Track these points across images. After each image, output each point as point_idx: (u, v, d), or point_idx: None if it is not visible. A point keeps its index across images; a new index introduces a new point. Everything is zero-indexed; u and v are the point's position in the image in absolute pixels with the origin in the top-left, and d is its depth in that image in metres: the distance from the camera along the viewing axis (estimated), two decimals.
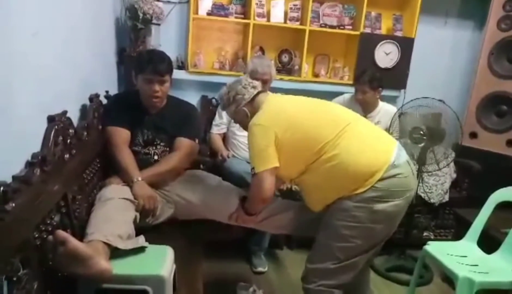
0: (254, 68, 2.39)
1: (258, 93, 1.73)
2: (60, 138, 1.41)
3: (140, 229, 1.57)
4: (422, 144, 2.35)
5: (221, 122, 2.70)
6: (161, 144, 1.96)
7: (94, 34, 2.04)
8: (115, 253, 1.34)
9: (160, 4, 2.61)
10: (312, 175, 1.55)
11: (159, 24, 2.63)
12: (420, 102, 2.34)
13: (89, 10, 1.94)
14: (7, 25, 1.12)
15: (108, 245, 1.32)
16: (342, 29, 3.12)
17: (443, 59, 3.51)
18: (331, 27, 3.09)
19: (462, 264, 1.94)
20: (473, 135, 3.14)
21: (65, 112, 1.49)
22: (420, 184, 2.54)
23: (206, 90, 3.04)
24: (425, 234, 2.85)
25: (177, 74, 2.68)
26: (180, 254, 1.54)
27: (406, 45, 3.15)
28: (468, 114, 3.19)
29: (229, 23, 3.03)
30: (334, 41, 3.23)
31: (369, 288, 1.88)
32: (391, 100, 3.17)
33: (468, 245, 2.11)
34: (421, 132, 2.33)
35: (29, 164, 1.20)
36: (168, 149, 1.97)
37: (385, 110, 2.73)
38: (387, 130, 2.43)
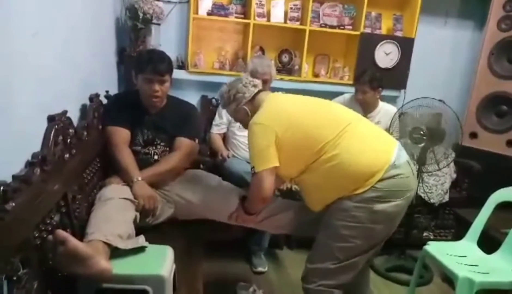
0: (254, 68, 2.39)
1: (259, 91, 1.73)
2: (60, 137, 1.41)
3: (140, 229, 1.57)
4: (422, 144, 2.35)
5: (221, 122, 2.70)
6: (161, 144, 1.96)
7: (94, 34, 2.04)
8: (115, 252, 1.34)
9: (160, 4, 2.61)
10: (312, 174, 1.55)
11: (159, 24, 2.63)
12: (420, 102, 2.34)
13: (89, 10, 1.94)
14: (7, 25, 1.12)
15: (108, 244, 1.32)
16: (342, 29, 3.12)
17: (443, 59, 3.51)
18: (331, 27, 3.09)
19: (462, 264, 1.94)
20: (473, 135, 3.15)
21: (65, 112, 1.49)
22: (420, 184, 2.54)
23: (206, 90, 3.04)
24: (425, 234, 2.85)
25: (177, 74, 2.68)
26: (180, 254, 1.54)
27: (406, 45, 3.15)
28: (468, 114, 3.19)
29: (229, 23, 3.03)
30: (334, 41, 3.23)
31: (369, 288, 1.88)
32: (391, 100, 3.17)
33: (468, 245, 2.11)
34: (421, 132, 2.33)
35: (29, 164, 1.20)
36: (168, 149, 1.97)
37: (385, 110, 2.73)
38: (387, 130, 2.43)
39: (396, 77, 3.18)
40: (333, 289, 1.54)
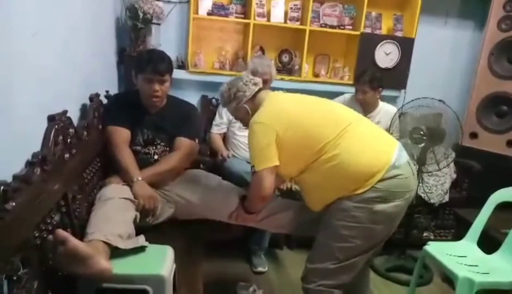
0: (254, 68, 2.39)
1: (259, 90, 1.73)
2: (60, 137, 1.41)
3: (140, 229, 1.57)
4: (422, 144, 2.35)
5: (221, 122, 2.70)
6: (161, 143, 1.96)
7: (94, 34, 2.04)
8: (115, 252, 1.34)
9: (160, 3, 2.61)
10: (312, 174, 1.55)
11: (159, 24, 2.63)
12: (420, 102, 2.34)
13: (89, 10, 1.94)
14: (7, 25, 1.12)
15: (108, 244, 1.32)
16: (342, 29, 3.12)
17: (443, 59, 3.51)
18: (331, 27, 3.09)
19: (462, 264, 1.94)
20: (473, 136, 3.15)
21: (65, 112, 1.49)
22: (420, 184, 2.54)
23: (206, 90, 3.04)
24: (425, 234, 2.85)
25: (177, 74, 2.68)
26: (180, 253, 1.54)
27: (406, 45, 3.15)
28: (468, 114, 3.19)
29: (229, 23, 3.03)
30: (334, 41, 3.23)
31: (369, 288, 1.88)
32: (391, 100, 3.17)
33: (468, 245, 2.11)
34: (421, 132, 2.32)
35: (29, 164, 1.20)
36: (168, 148, 1.97)
37: (385, 110, 2.73)
38: (387, 130, 2.43)
39: (396, 77, 3.18)
40: (333, 289, 1.54)
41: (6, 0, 1.11)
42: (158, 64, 1.82)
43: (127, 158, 1.83)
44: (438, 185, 2.76)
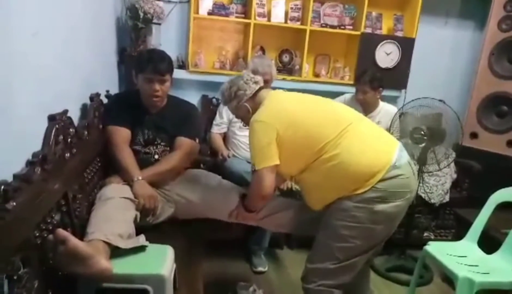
0: (254, 68, 2.39)
1: (260, 88, 1.73)
2: (61, 137, 1.41)
3: (140, 229, 1.57)
4: (423, 144, 2.35)
5: (222, 121, 2.70)
6: (162, 143, 1.96)
7: (94, 34, 2.04)
8: (116, 252, 1.34)
9: (160, 3, 2.61)
10: (313, 173, 1.55)
11: (159, 24, 2.64)
12: (421, 102, 2.35)
13: (90, 9, 1.94)
14: (7, 25, 1.12)
15: (108, 244, 1.32)
16: (342, 29, 3.12)
17: (444, 59, 3.51)
18: (332, 27, 3.09)
19: (462, 264, 1.94)
20: (474, 136, 3.15)
21: (65, 111, 1.49)
22: (421, 184, 2.54)
23: (207, 89, 3.04)
24: (425, 234, 2.85)
25: (178, 73, 2.68)
26: (181, 253, 1.54)
27: (406, 45, 3.15)
28: (469, 114, 3.19)
29: (230, 22, 3.03)
30: (335, 41, 3.23)
31: (369, 288, 1.88)
32: (392, 100, 3.17)
33: (468, 245, 2.11)
34: (422, 132, 2.32)
35: (30, 163, 1.20)
36: (168, 148, 1.97)
37: (386, 110, 2.73)
38: (388, 130, 2.42)
39: (396, 77, 3.18)
40: (333, 289, 1.54)
41: (6, 0, 1.11)
42: (158, 64, 1.83)
43: (127, 157, 1.83)
44: (439, 185, 2.76)
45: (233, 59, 3.09)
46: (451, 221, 2.88)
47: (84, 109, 1.84)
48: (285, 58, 3.16)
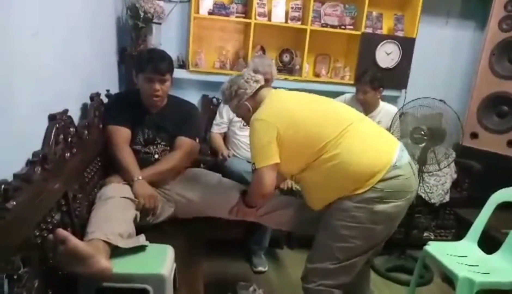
0: (255, 68, 2.39)
1: (261, 87, 1.73)
2: (61, 136, 1.41)
3: (140, 228, 1.57)
4: (423, 144, 2.35)
5: (222, 121, 2.70)
6: (162, 143, 1.96)
7: (94, 34, 2.04)
8: (116, 252, 1.34)
9: (161, 3, 2.61)
10: (313, 173, 1.55)
11: (160, 23, 2.63)
12: (421, 102, 2.34)
13: (90, 9, 1.94)
14: (7, 25, 1.12)
15: (108, 244, 1.32)
16: (343, 29, 3.11)
17: (444, 59, 3.51)
18: (332, 27, 3.09)
19: (462, 264, 1.94)
20: (474, 136, 3.15)
21: (66, 111, 1.49)
22: (421, 184, 2.54)
23: (207, 89, 3.04)
24: (425, 234, 2.85)
25: (178, 73, 2.68)
26: (181, 253, 1.54)
27: (407, 45, 3.15)
28: (469, 114, 3.19)
29: (230, 22, 3.03)
30: (335, 41, 3.23)
31: (369, 288, 1.88)
32: (392, 100, 3.17)
33: (468, 245, 2.11)
34: (422, 132, 2.32)
35: (30, 163, 1.20)
36: (168, 148, 1.97)
37: (386, 110, 2.73)
38: (388, 130, 2.42)
39: (397, 77, 3.18)
40: (333, 289, 1.54)
41: (6, 0, 1.11)
42: (158, 63, 1.83)
43: (127, 157, 1.83)
44: (439, 185, 2.76)
45: (233, 59, 3.09)
46: (451, 221, 2.88)
47: (84, 108, 1.84)
48: (286, 57, 3.16)
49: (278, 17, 3.01)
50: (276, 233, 2.56)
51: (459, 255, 2.03)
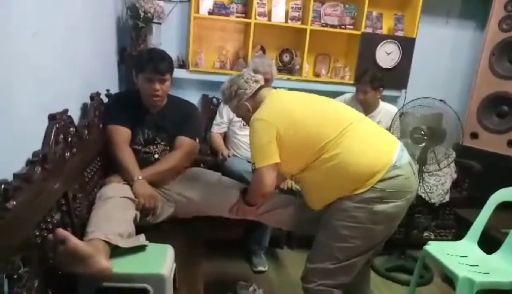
0: (255, 68, 2.39)
1: (261, 87, 1.73)
2: (61, 136, 1.41)
3: (140, 228, 1.57)
4: (423, 144, 2.35)
5: (222, 121, 2.70)
6: (162, 143, 1.96)
7: (94, 33, 2.04)
8: (116, 251, 1.34)
9: (161, 3, 2.61)
10: (313, 173, 1.55)
11: (160, 23, 2.63)
12: (421, 102, 2.34)
13: (90, 9, 1.94)
14: (7, 25, 1.12)
15: (108, 243, 1.32)
16: (343, 28, 3.11)
17: (444, 59, 3.51)
18: (332, 26, 3.09)
19: (463, 264, 1.94)
20: (474, 136, 3.15)
21: (66, 111, 1.49)
22: (421, 184, 2.54)
23: (207, 89, 3.04)
24: (425, 234, 2.85)
25: (178, 73, 2.68)
26: (181, 253, 1.55)
27: (407, 45, 3.15)
28: (469, 114, 3.19)
29: (230, 22, 3.03)
30: (335, 40, 3.23)
31: (369, 288, 1.88)
32: (392, 100, 3.17)
33: (468, 245, 2.11)
34: (422, 132, 2.32)
35: (30, 162, 1.20)
36: (168, 148, 1.97)
37: (386, 110, 2.73)
38: (388, 130, 2.42)
39: (397, 77, 3.18)
40: (333, 289, 1.54)
41: (6, 0, 1.11)
42: (158, 63, 1.83)
43: (127, 157, 1.83)
44: (439, 185, 2.76)
45: (233, 58, 3.09)
46: (451, 221, 2.87)
47: (84, 108, 1.84)
48: (286, 57, 3.16)
49: (278, 17, 3.01)
50: (276, 233, 2.56)
51: (459, 255, 2.02)
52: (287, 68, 3.16)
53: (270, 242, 2.56)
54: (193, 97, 2.95)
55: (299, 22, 3.05)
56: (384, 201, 1.46)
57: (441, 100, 2.36)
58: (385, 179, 1.45)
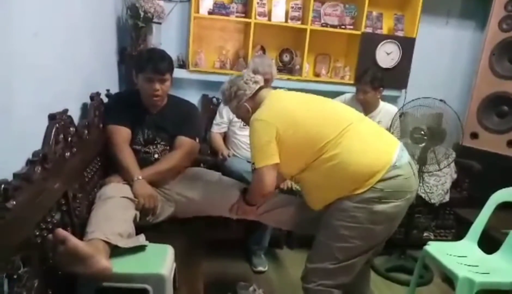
0: (255, 68, 2.39)
1: (260, 88, 1.73)
2: (61, 136, 1.41)
3: (140, 228, 1.57)
4: (423, 144, 2.35)
5: (222, 121, 2.70)
6: (162, 143, 1.96)
7: (94, 33, 2.04)
8: (115, 251, 1.34)
9: (161, 2, 2.61)
10: (313, 173, 1.55)
11: (160, 23, 2.63)
12: (421, 102, 2.34)
13: (90, 9, 1.94)
14: (8, 25, 1.12)
15: (108, 243, 1.32)
16: (343, 28, 3.11)
17: (444, 59, 3.51)
18: (332, 26, 3.08)
19: (462, 264, 1.94)
20: (474, 136, 3.15)
21: (66, 111, 1.49)
22: (421, 184, 2.54)
23: (207, 89, 3.04)
24: (425, 234, 2.85)
25: (178, 73, 2.68)
26: (181, 253, 1.54)
27: (407, 45, 3.15)
28: (469, 114, 3.19)
29: (230, 22, 3.03)
30: (335, 40, 3.23)
31: (369, 288, 1.88)
32: (392, 100, 3.17)
33: (468, 245, 2.11)
34: (422, 132, 2.32)
35: (30, 162, 1.20)
36: (168, 148, 1.97)
37: (386, 110, 2.73)
38: (388, 130, 2.42)
39: (397, 77, 3.18)
40: (333, 289, 1.54)
41: (7, 0, 1.11)
42: (158, 63, 1.83)
43: (127, 157, 1.83)
44: (439, 185, 2.76)
45: (233, 58, 3.09)
46: (451, 221, 2.87)
47: (84, 108, 1.84)
48: (286, 57, 3.16)
49: (278, 16, 3.01)
50: (276, 233, 2.56)
51: (459, 255, 2.03)
52: (287, 68, 3.15)
53: (270, 242, 2.56)
54: (193, 97, 2.95)
55: (299, 22, 3.05)
56: (384, 201, 1.46)
57: (441, 100, 2.35)
58: (385, 179, 1.45)
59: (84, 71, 1.85)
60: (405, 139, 2.34)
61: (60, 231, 1.18)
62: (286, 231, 2.59)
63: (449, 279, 1.98)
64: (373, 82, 2.62)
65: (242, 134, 2.58)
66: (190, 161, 2.07)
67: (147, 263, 1.35)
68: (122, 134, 1.89)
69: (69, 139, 1.49)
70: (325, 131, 1.52)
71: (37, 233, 1.17)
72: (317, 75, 3.27)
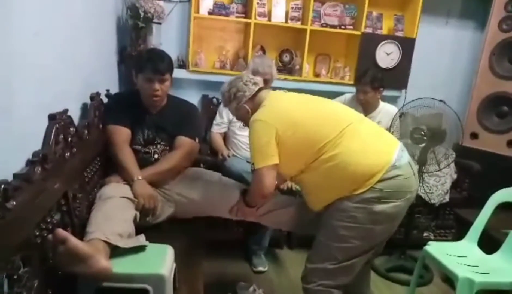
0: (255, 68, 2.39)
1: (260, 89, 1.73)
2: (61, 136, 1.41)
3: (140, 228, 1.57)
4: (423, 145, 2.35)
5: (222, 121, 2.70)
6: (162, 143, 1.96)
7: (95, 33, 2.04)
8: (115, 251, 1.34)
9: (161, 3, 2.61)
10: (312, 173, 1.55)
11: (160, 23, 2.63)
12: (421, 102, 2.34)
13: (90, 9, 1.94)
14: (8, 25, 1.12)
15: (108, 243, 1.32)
16: (343, 29, 3.11)
17: (444, 59, 3.51)
18: (332, 27, 3.09)
19: (462, 264, 1.94)
20: (474, 136, 3.15)
21: (66, 111, 1.49)
22: (421, 185, 2.54)
23: (207, 89, 3.04)
24: (425, 234, 2.85)
25: (178, 73, 2.68)
26: (181, 253, 1.54)
27: (407, 45, 3.15)
28: (469, 114, 3.19)
29: (230, 22, 3.03)
30: (335, 41, 3.23)
31: (369, 288, 1.88)
32: (392, 100, 3.17)
33: (468, 246, 2.11)
34: (422, 133, 2.32)
35: (30, 162, 1.20)
36: (168, 148, 1.97)
37: (386, 110, 2.73)
38: (388, 130, 2.42)
39: (397, 77, 3.18)
40: (332, 289, 1.54)
41: (7, 0, 1.11)
42: (158, 63, 1.83)
43: (127, 157, 1.83)
44: (439, 185, 2.76)
45: (233, 58, 3.09)
46: (451, 221, 2.87)
47: (84, 108, 1.84)
48: (286, 58, 3.16)
49: (278, 17, 3.01)
50: (276, 233, 2.56)
51: (459, 255, 2.03)
52: (287, 68, 3.15)
53: (270, 243, 2.56)
54: (193, 97, 2.95)
55: (299, 22, 3.05)
56: (383, 201, 1.46)
57: (441, 100, 2.35)
58: (385, 179, 1.45)
59: (84, 71, 1.85)
60: (405, 140, 2.34)
61: (60, 231, 1.18)
62: (286, 231, 2.59)
63: (449, 279, 1.98)
64: (373, 82, 2.62)
65: (242, 134, 2.58)
66: (190, 161, 2.07)
67: (147, 263, 1.35)
68: (122, 134, 1.89)
69: (69, 139, 1.49)
70: (325, 132, 1.52)
71: (37, 233, 1.17)
72: (317, 75, 3.27)
